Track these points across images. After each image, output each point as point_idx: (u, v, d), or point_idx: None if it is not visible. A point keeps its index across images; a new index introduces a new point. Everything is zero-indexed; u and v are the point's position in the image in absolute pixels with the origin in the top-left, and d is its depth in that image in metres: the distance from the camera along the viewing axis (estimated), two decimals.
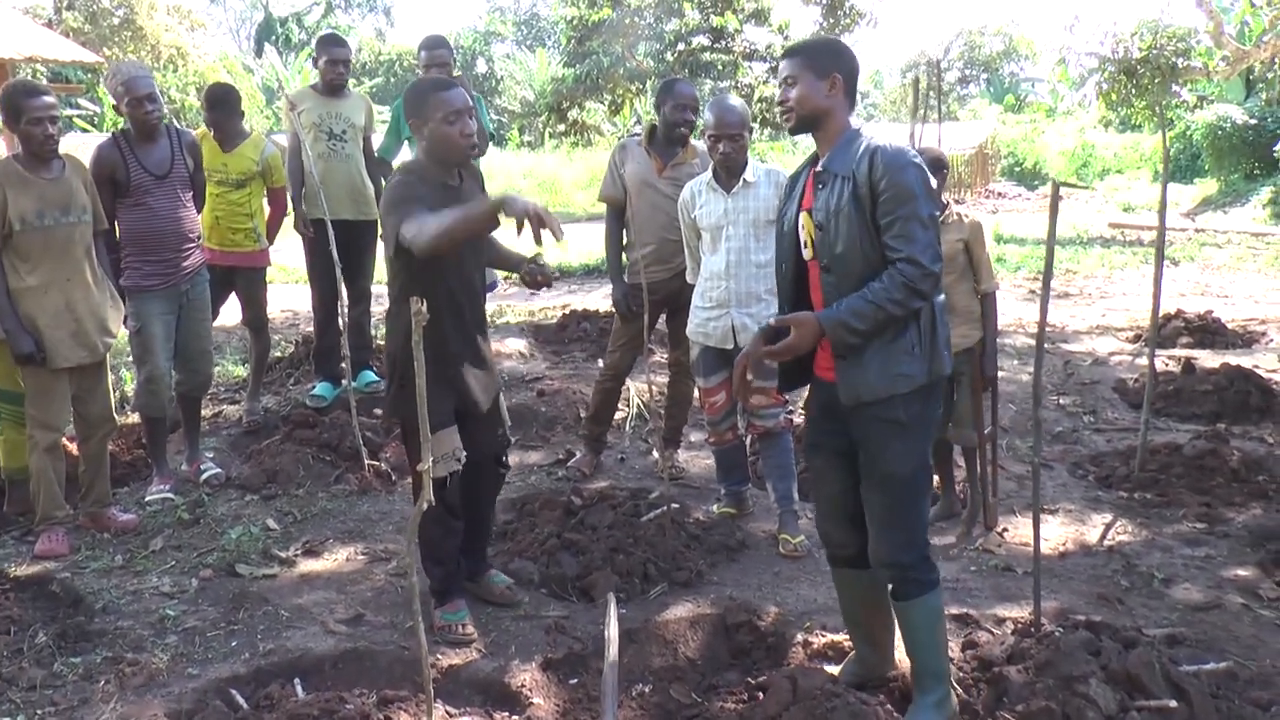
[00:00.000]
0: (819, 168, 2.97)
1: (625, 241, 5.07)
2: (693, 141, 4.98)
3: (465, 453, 3.57)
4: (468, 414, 3.64)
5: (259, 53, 41.43)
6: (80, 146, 4.27)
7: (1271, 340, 8.25)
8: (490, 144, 6.02)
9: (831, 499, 3.14)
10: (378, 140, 6.32)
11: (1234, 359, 6.97)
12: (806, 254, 3.00)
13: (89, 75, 26.08)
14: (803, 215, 3.00)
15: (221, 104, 5.64)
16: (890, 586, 3.02)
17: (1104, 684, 2.98)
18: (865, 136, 2.92)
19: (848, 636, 3.46)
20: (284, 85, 26.51)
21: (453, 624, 3.63)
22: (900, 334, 2.86)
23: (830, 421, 3.05)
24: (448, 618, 3.65)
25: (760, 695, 3.13)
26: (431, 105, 3.40)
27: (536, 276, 3.56)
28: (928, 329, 2.90)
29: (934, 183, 2.93)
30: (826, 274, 2.91)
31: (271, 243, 5.90)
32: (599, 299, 9.98)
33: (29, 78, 10.36)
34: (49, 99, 4.25)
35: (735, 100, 4.38)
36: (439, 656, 3.47)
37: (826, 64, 2.91)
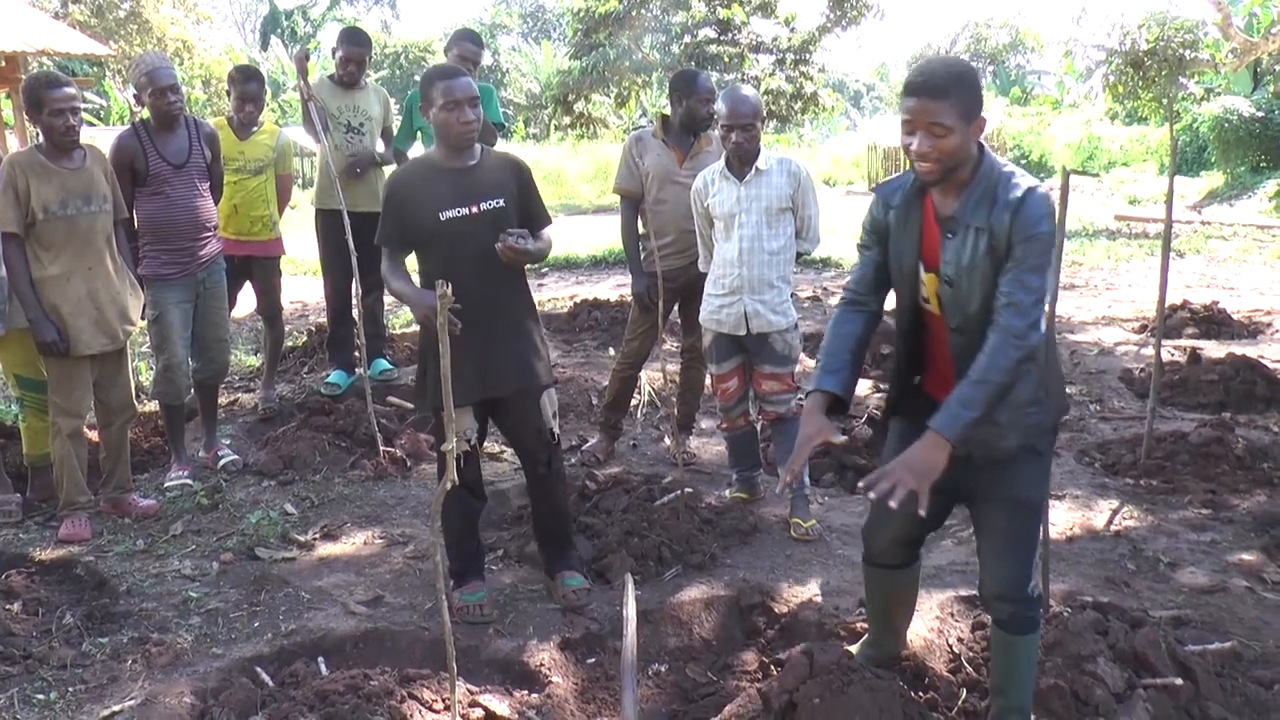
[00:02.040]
0: (948, 213, 2.61)
1: (641, 232, 5.12)
2: (706, 131, 5.05)
3: (474, 434, 3.68)
4: (492, 402, 3.72)
5: (264, 46, 41.50)
6: (88, 139, 4.33)
7: (1277, 331, 8.29)
8: (500, 137, 6.06)
9: (904, 515, 2.72)
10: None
11: (1239, 349, 7.01)
12: (927, 305, 2.75)
13: (95, 69, 26.18)
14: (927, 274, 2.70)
15: (255, 77, 5.80)
16: (1002, 620, 2.82)
17: (1111, 662, 3.04)
18: (995, 170, 2.57)
19: (863, 619, 3.52)
20: (291, 77, 26.57)
21: (470, 605, 3.69)
22: (1029, 382, 2.61)
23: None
24: (465, 599, 3.72)
25: (776, 673, 3.20)
26: (434, 92, 3.54)
27: (504, 249, 3.48)
28: (1048, 369, 2.68)
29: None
30: (957, 335, 2.64)
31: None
32: (608, 289, 10.03)
33: (44, 70, 10.42)
34: (70, 90, 4.31)
35: (748, 90, 4.43)
36: (458, 637, 3.53)
37: (976, 106, 2.52)
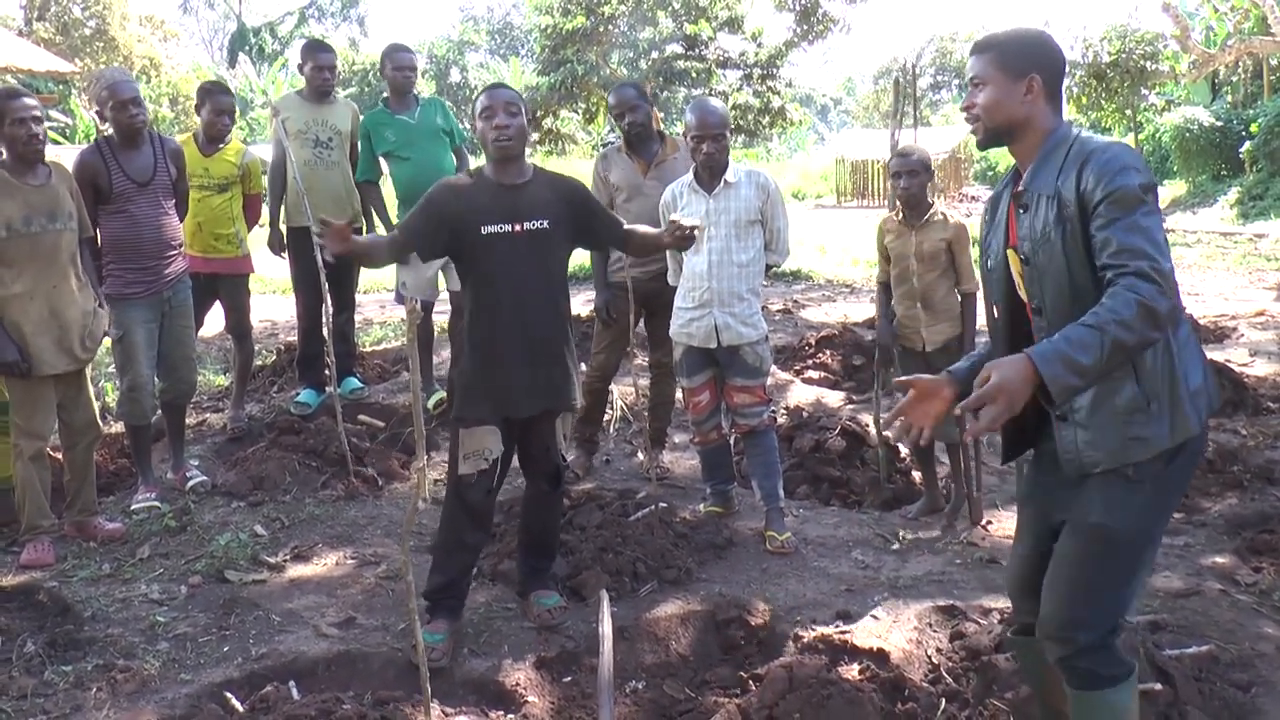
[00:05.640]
0: (1020, 187, 2.44)
1: None
2: (673, 136, 5.08)
3: (496, 454, 3.54)
4: (513, 419, 3.61)
5: (232, 63, 41.25)
6: (53, 157, 4.27)
7: (1242, 336, 8.38)
8: (467, 153, 6.09)
9: (1022, 558, 2.61)
10: None
11: (1207, 353, 7.05)
12: (1023, 294, 2.47)
13: (60, 87, 25.94)
14: (1010, 252, 2.48)
15: (228, 90, 5.84)
16: (1057, 664, 2.46)
17: None
18: (1073, 136, 2.37)
19: (841, 632, 3.49)
20: (259, 94, 26.40)
21: (427, 646, 3.54)
22: (1128, 385, 2.29)
23: (1052, 473, 2.47)
24: (425, 637, 3.56)
25: (755, 687, 3.17)
26: (477, 105, 3.55)
27: (675, 235, 3.57)
28: (1165, 375, 2.30)
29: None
30: (1038, 317, 2.38)
31: None
32: (578, 305, 9.97)
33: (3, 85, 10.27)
34: (31, 101, 4.25)
35: (715, 102, 4.44)
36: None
37: (1023, 62, 2.38)
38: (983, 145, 2.51)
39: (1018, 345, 2.36)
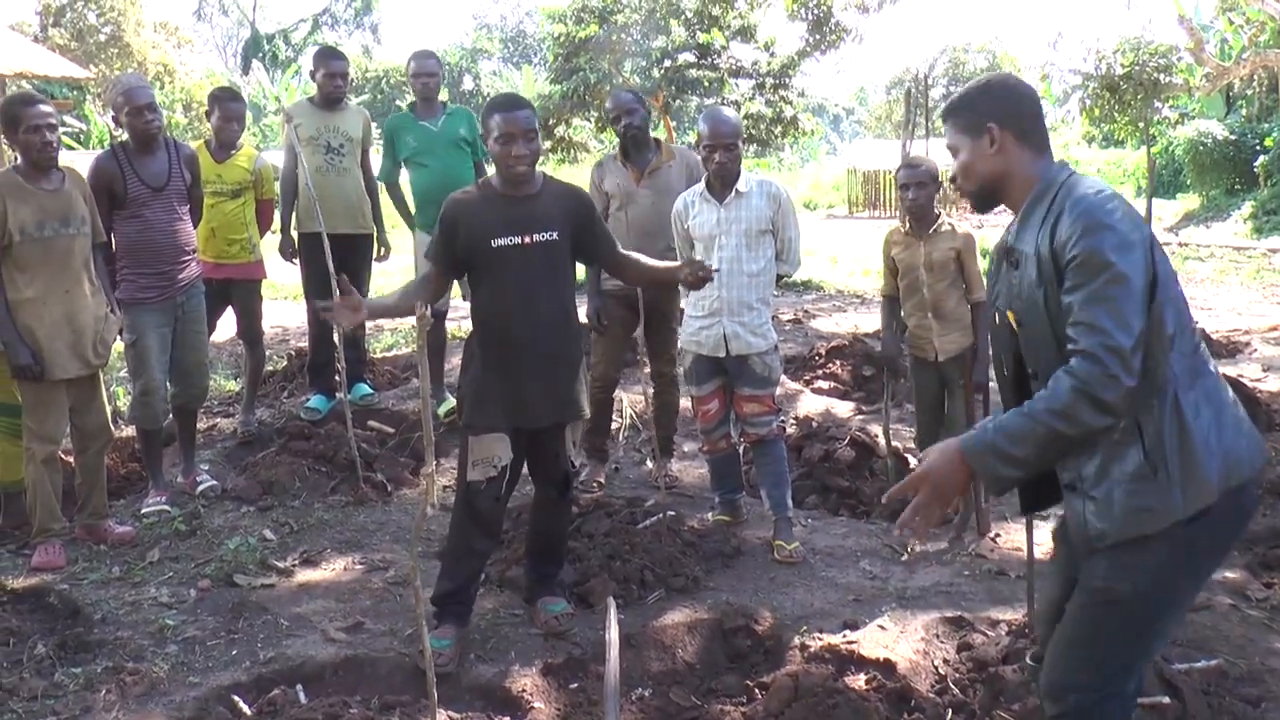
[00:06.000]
0: (1008, 243, 2.32)
1: None
2: (671, 145, 5.09)
3: (505, 461, 3.54)
4: (523, 429, 3.60)
5: (246, 70, 41.46)
6: (67, 163, 4.33)
7: (1255, 351, 8.35)
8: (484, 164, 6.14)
9: (1049, 599, 2.55)
10: (376, 154, 6.36)
11: (1220, 369, 7.04)
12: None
13: (75, 92, 26.13)
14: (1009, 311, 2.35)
15: (239, 97, 5.89)
16: None
17: None
18: (1059, 183, 2.21)
19: (848, 643, 3.49)
20: (272, 101, 26.54)
21: (434, 651, 3.55)
22: (1133, 451, 2.12)
23: None
24: (433, 643, 3.57)
25: (760, 696, 3.17)
26: (490, 122, 3.49)
27: (698, 274, 3.63)
28: (1174, 439, 2.11)
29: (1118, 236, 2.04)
30: (1035, 382, 2.24)
31: None
32: (581, 315, 9.99)
33: (20, 90, 10.35)
34: (46, 108, 4.29)
35: (729, 111, 4.45)
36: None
37: (976, 115, 2.28)
38: (977, 209, 2.42)
39: (1022, 400, 2.24)
